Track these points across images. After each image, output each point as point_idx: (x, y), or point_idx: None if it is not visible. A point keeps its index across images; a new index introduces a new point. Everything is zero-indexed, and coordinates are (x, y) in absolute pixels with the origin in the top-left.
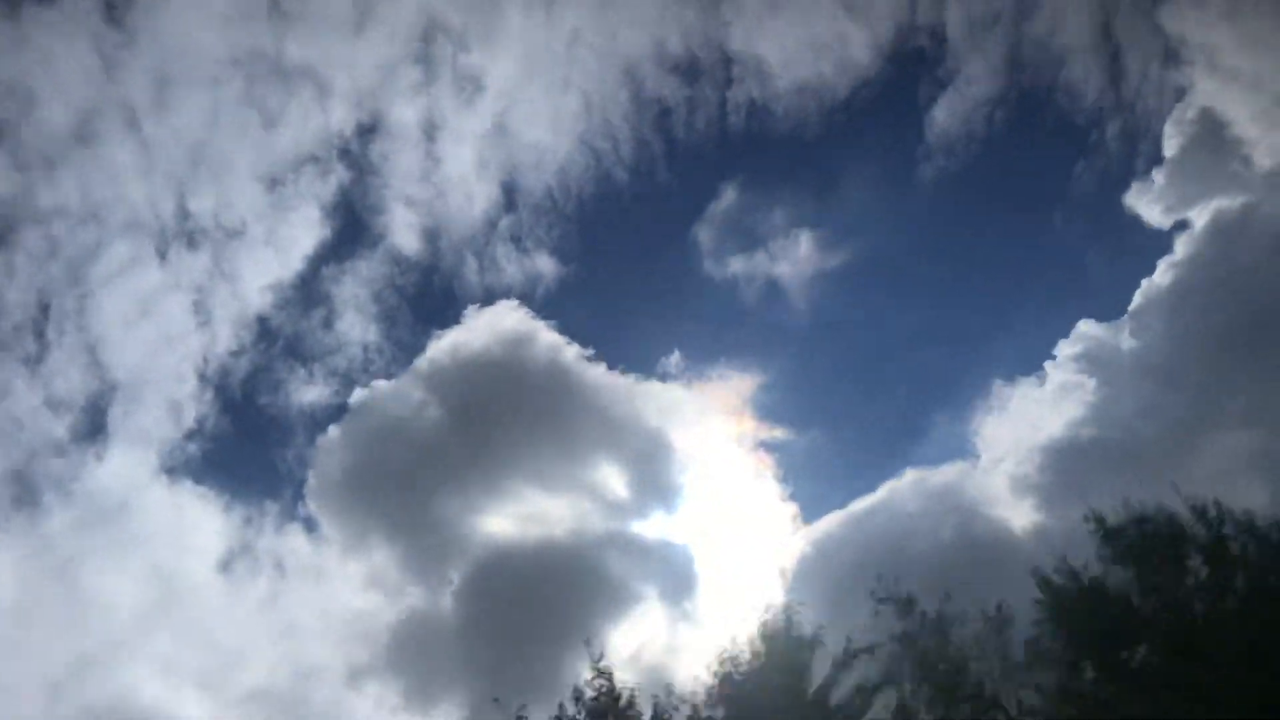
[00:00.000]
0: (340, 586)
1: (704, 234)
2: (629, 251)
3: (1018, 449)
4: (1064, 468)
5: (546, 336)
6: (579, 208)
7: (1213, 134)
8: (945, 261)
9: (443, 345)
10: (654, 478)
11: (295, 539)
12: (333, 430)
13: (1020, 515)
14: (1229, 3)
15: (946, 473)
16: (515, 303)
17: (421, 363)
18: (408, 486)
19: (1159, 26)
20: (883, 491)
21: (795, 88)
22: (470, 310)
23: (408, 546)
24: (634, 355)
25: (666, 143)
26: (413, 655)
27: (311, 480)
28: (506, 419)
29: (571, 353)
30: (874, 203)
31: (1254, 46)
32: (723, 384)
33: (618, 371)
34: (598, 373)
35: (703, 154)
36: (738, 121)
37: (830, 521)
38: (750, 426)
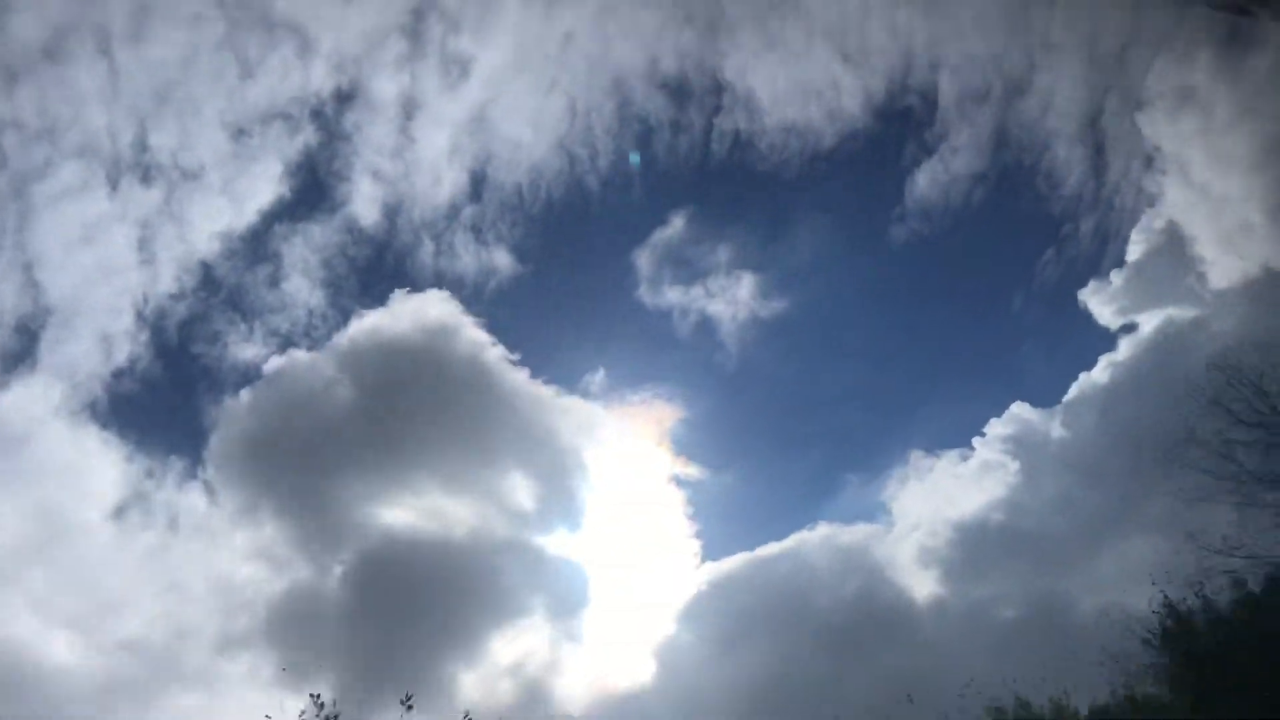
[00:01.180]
0: (228, 552)
1: (648, 258)
2: (581, 262)
3: (932, 520)
4: (973, 546)
5: (472, 333)
6: (545, 210)
7: (1174, 246)
8: (894, 325)
9: (365, 325)
10: (561, 493)
11: (194, 498)
12: (243, 395)
13: (923, 585)
14: (1203, 119)
15: (858, 532)
16: (446, 294)
17: (341, 340)
18: (308, 463)
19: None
20: (792, 540)
21: (782, 127)
22: (398, 295)
23: (300, 522)
24: (559, 367)
25: (645, 160)
26: (291, 630)
27: (213, 442)
28: (419, 410)
29: (496, 354)
30: (835, 256)
31: (1224, 166)
32: (644, 411)
33: (540, 381)
34: (520, 379)
35: (679, 177)
36: (720, 151)
37: (734, 562)
38: (665, 457)
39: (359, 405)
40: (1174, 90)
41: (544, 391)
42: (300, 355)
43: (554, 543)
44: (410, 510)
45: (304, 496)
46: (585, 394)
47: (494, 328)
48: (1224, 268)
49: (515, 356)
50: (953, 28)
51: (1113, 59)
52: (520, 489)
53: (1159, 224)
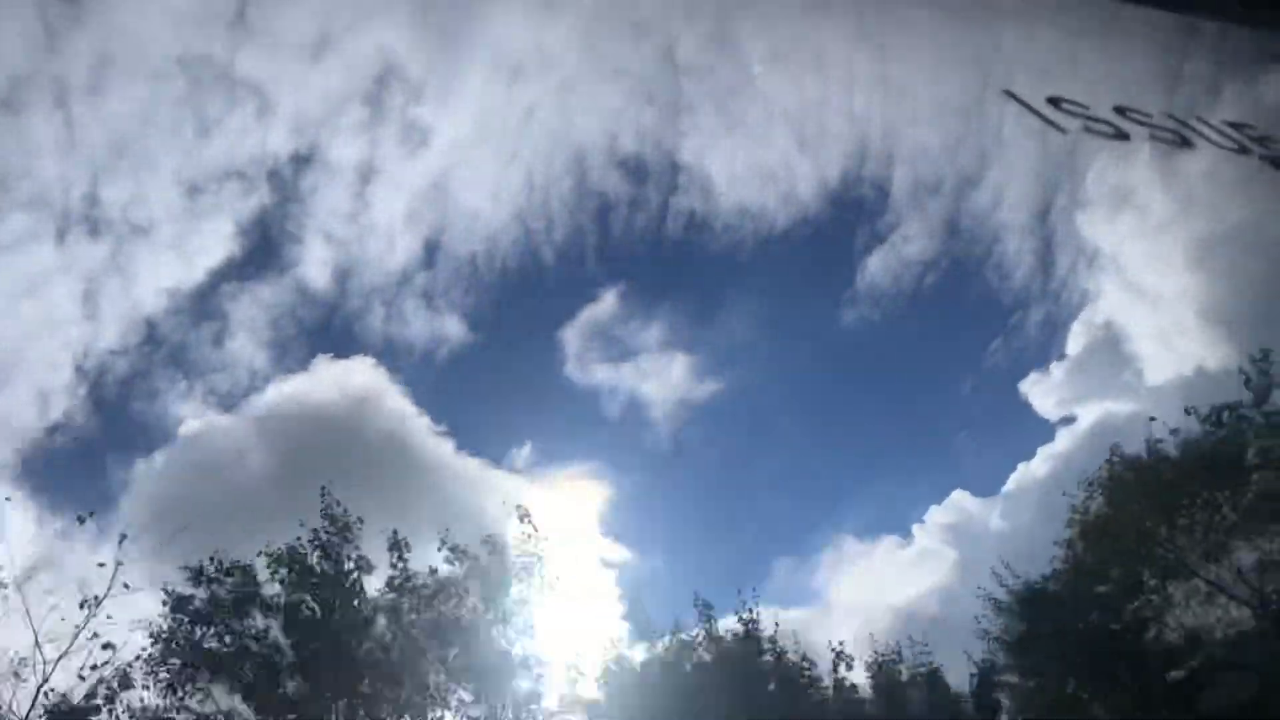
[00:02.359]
0: (135, 621)
1: (582, 334)
2: (525, 332)
3: (867, 607)
4: (911, 633)
5: (396, 402)
6: (500, 279)
7: (1112, 342)
8: (838, 408)
9: (284, 390)
10: (488, 570)
11: (104, 561)
12: (156, 457)
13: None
14: (1139, 221)
15: (791, 617)
16: (371, 360)
17: (258, 403)
18: (219, 530)
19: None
20: (721, 626)
21: (737, 208)
22: (320, 359)
23: (206, 594)
24: (486, 439)
25: (601, 235)
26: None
27: (122, 506)
28: (336, 479)
29: (420, 424)
30: (782, 338)
31: (1160, 265)
32: (570, 489)
33: (465, 453)
34: (444, 451)
35: (635, 255)
36: (675, 230)
37: (663, 646)
38: (592, 535)
39: (273, 472)
40: (1113, 189)
41: (469, 464)
42: (217, 418)
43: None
44: None
45: (217, 562)
46: (511, 468)
47: (418, 396)
48: (1159, 365)
49: (441, 427)
50: (909, 118)
51: (1064, 154)
52: (443, 563)
53: (1098, 319)
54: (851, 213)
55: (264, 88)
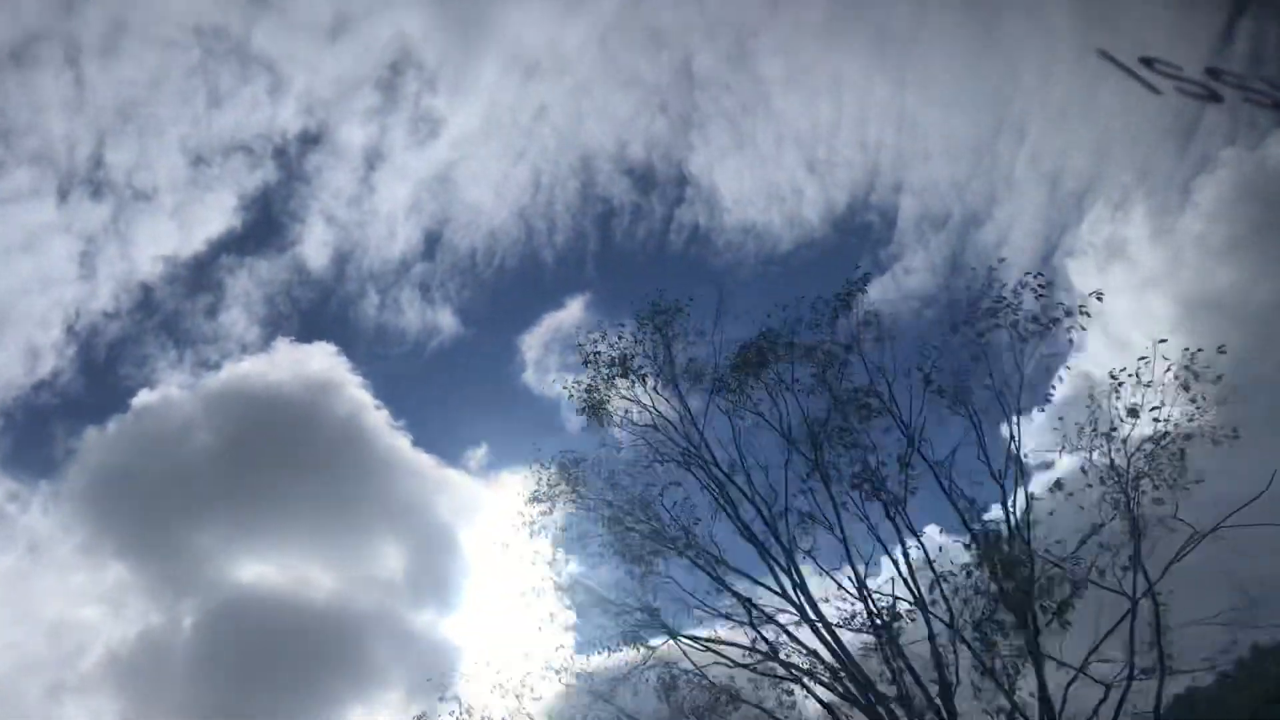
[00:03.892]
0: (77, 590)
1: (538, 344)
2: (506, 331)
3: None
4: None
5: (354, 393)
6: (496, 277)
7: (1093, 394)
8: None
9: (241, 369)
10: (436, 570)
11: (53, 527)
12: (110, 426)
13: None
14: (1129, 274)
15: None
16: (333, 348)
17: (214, 381)
18: (167, 505)
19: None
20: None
21: (741, 227)
22: (281, 342)
23: (152, 567)
24: (444, 437)
25: (602, 241)
26: (136, 681)
27: (72, 472)
28: (288, 465)
29: (379, 418)
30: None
31: (1145, 324)
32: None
33: (421, 449)
34: (401, 445)
35: (634, 263)
36: (678, 242)
37: (618, 659)
38: (544, 546)
39: (224, 452)
40: (1105, 241)
41: (424, 460)
42: (173, 391)
43: (423, 620)
44: (272, 568)
45: (159, 540)
46: (466, 468)
47: (379, 390)
48: (1139, 424)
49: (400, 422)
50: (920, 150)
51: (1072, 200)
52: (392, 559)
53: (1078, 369)
54: (855, 240)
55: (277, 65)
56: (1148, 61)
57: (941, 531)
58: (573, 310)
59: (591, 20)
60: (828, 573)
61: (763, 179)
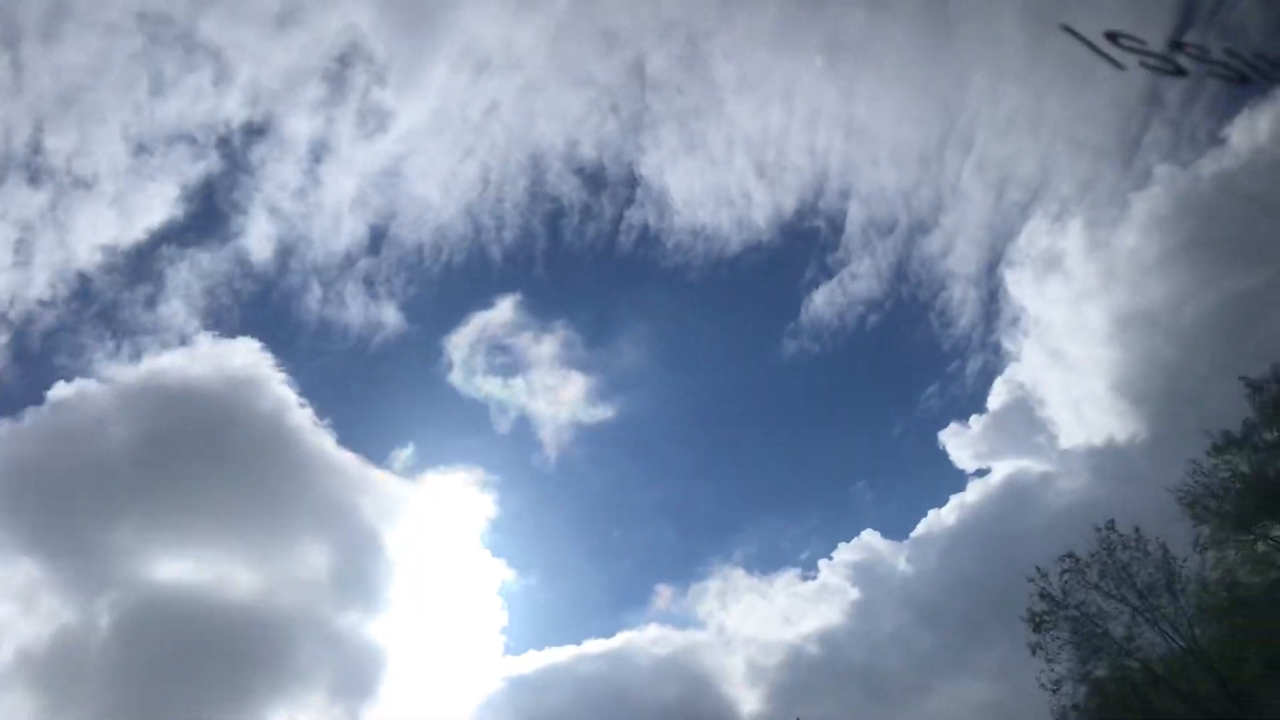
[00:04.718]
0: None
1: (467, 344)
2: (437, 331)
3: (767, 637)
4: (804, 668)
5: (279, 389)
6: (443, 273)
7: (1030, 403)
8: (769, 435)
9: (160, 364)
10: (361, 570)
11: None
12: (24, 418)
13: (750, 700)
14: (1065, 286)
15: (692, 638)
16: (256, 344)
17: (131, 375)
18: (81, 502)
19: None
20: (619, 640)
21: (690, 229)
22: (203, 337)
23: (66, 564)
24: (369, 437)
25: (551, 240)
26: (51, 678)
27: None
28: (208, 462)
29: (302, 415)
30: (721, 363)
31: (1079, 335)
32: (457, 500)
33: (346, 448)
34: (325, 444)
35: (582, 263)
36: (627, 243)
37: (551, 656)
38: (473, 547)
39: (141, 447)
40: (1041, 254)
41: (349, 459)
42: (91, 385)
43: (348, 620)
44: (191, 565)
45: (73, 536)
46: (394, 469)
47: (305, 387)
48: (1071, 431)
49: (325, 421)
50: (868, 157)
51: (1017, 210)
52: (317, 559)
53: (1019, 378)
54: (803, 244)
55: (223, 54)
56: (1112, 36)
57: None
58: (503, 310)
59: (544, 19)
60: None
61: (713, 182)
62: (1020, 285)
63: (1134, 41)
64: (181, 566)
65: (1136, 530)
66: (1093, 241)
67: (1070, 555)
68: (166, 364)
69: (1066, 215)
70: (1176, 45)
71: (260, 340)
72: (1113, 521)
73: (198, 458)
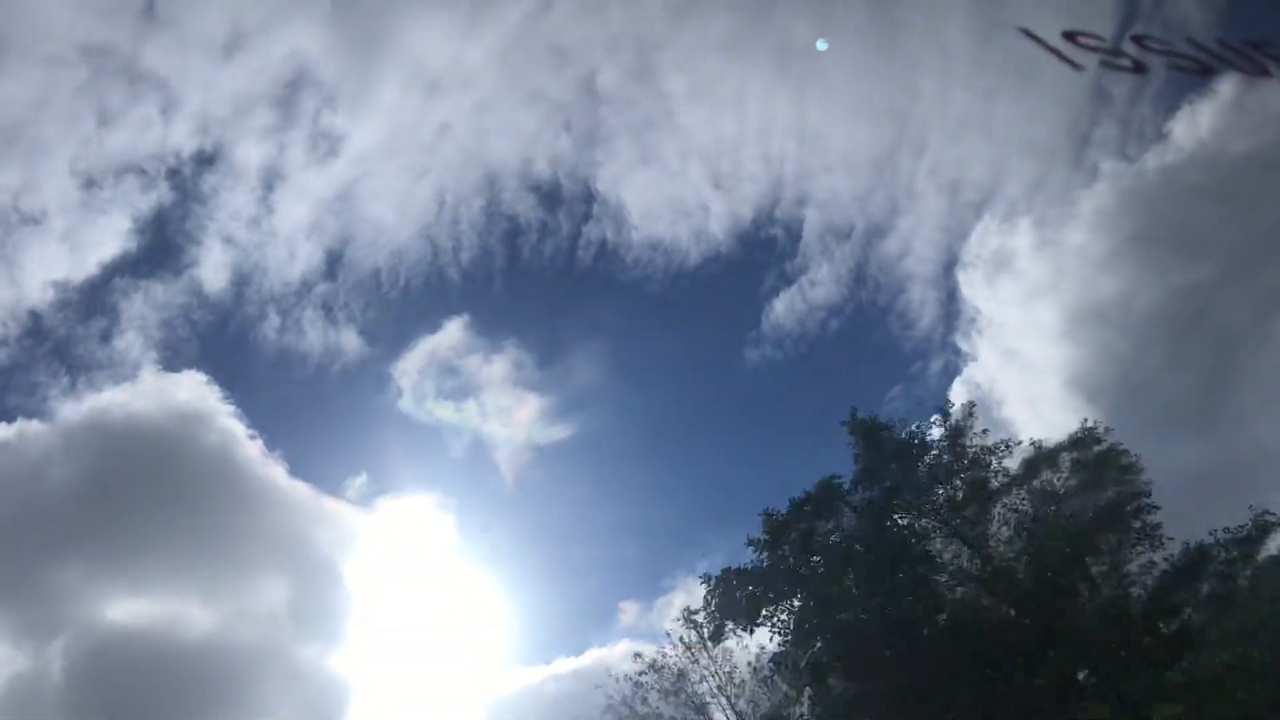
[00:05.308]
0: None
1: (416, 369)
2: (388, 357)
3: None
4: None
5: (225, 422)
6: (401, 297)
7: (986, 403)
8: (735, 444)
9: (102, 401)
10: (319, 601)
11: None
12: None
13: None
14: (1016, 285)
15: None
16: (204, 377)
17: (74, 413)
18: (30, 544)
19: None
20: (589, 657)
21: (648, 242)
22: (148, 372)
23: (15, 612)
24: (322, 466)
25: (509, 258)
26: None
27: None
28: (159, 499)
29: (252, 448)
30: (685, 375)
31: (1033, 335)
32: (411, 522)
33: (299, 478)
34: (276, 475)
35: (541, 282)
36: (586, 258)
37: (521, 676)
38: (432, 573)
39: (86, 486)
40: (992, 254)
41: (302, 490)
42: (34, 426)
43: (309, 654)
44: (145, 604)
45: (19, 581)
46: (348, 497)
47: (253, 419)
48: (1030, 429)
49: (276, 453)
50: (823, 163)
51: (971, 210)
52: (274, 593)
53: (976, 379)
54: (762, 253)
55: (170, 83)
56: (1070, 36)
57: None
58: (452, 332)
59: (493, 37)
60: None
61: (669, 194)
62: (972, 286)
63: (1092, 39)
64: (134, 606)
65: None
66: (1042, 240)
67: None
68: (110, 401)
69: (1016, 215)
70: (1135, 39)
71: (209, 373)
72: None
73: (146, 495)
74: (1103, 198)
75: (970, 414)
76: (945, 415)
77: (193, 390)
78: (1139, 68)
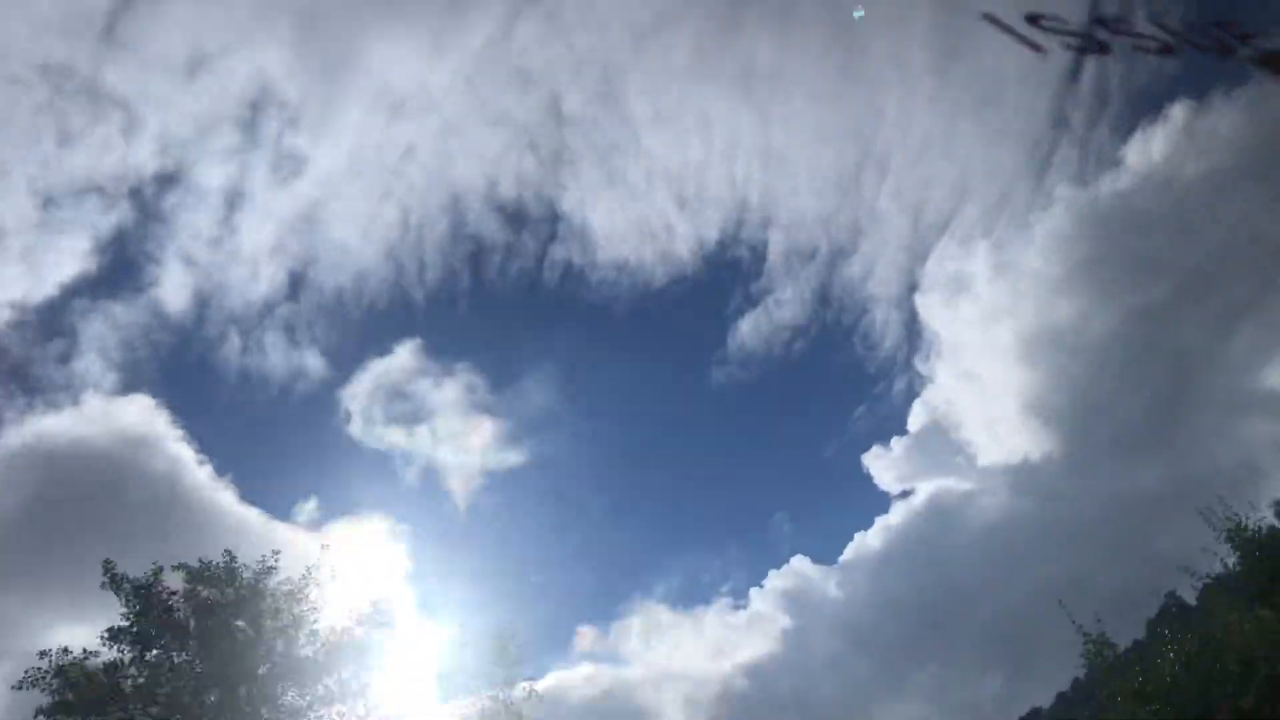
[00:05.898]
0: None
1: (362, 397)
2: (336, 381)
3: (699, 669)
4: (736, 699)
5: (174, 447)
6: (366, 316)
7: (946, 423)
8: (701, 465)
9: (43, 426)
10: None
11: None
12: None
13: None
14: (973, 308)
15: (622, 675)
16: (151, 401)
17: (16, 438)
18: None
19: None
20: (550, 680)
21: (614, 263)
22: (93, 395)
23: None
24: (271, 491)
25: (475, 280)
26: None
27: None
28: (101, 525)
29: (201, 473)
30: (651, 395)
31: (992, 358)
32: (362, 549)
33: (250, 503)
34: (226, 500)
35: (507, 301)
36: (551, 279)
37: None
38: (388, 600)
39: (27, 513)
40: (949, 278)
41: (252, 515)
42: None
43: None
44: (89, 631)
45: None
46: (296, 522)
47: (203, 443)
48: (988, 450)
49: (226, 477)
50: (788, 185)
51: (933, 232)
52: None
53: (935, 399)
54: (727, 274)
55: (131, 103)
56: (1033, 19)
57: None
58: (401, 357)
59: (458, 59)
60: None
61: (634, 215)
62: (930, 309)
63: (1055, 21)
64: (79, 633)
65: None
66: (999, 263)
67: None
68: (54, 425)
69: (973, 238)
70: (1099, 21)
71: (160, 396)
72: None
73: (90, 521)
74: (1058, 221)
75: None
76: None
77: (140, 414)
78: (1103, 49)
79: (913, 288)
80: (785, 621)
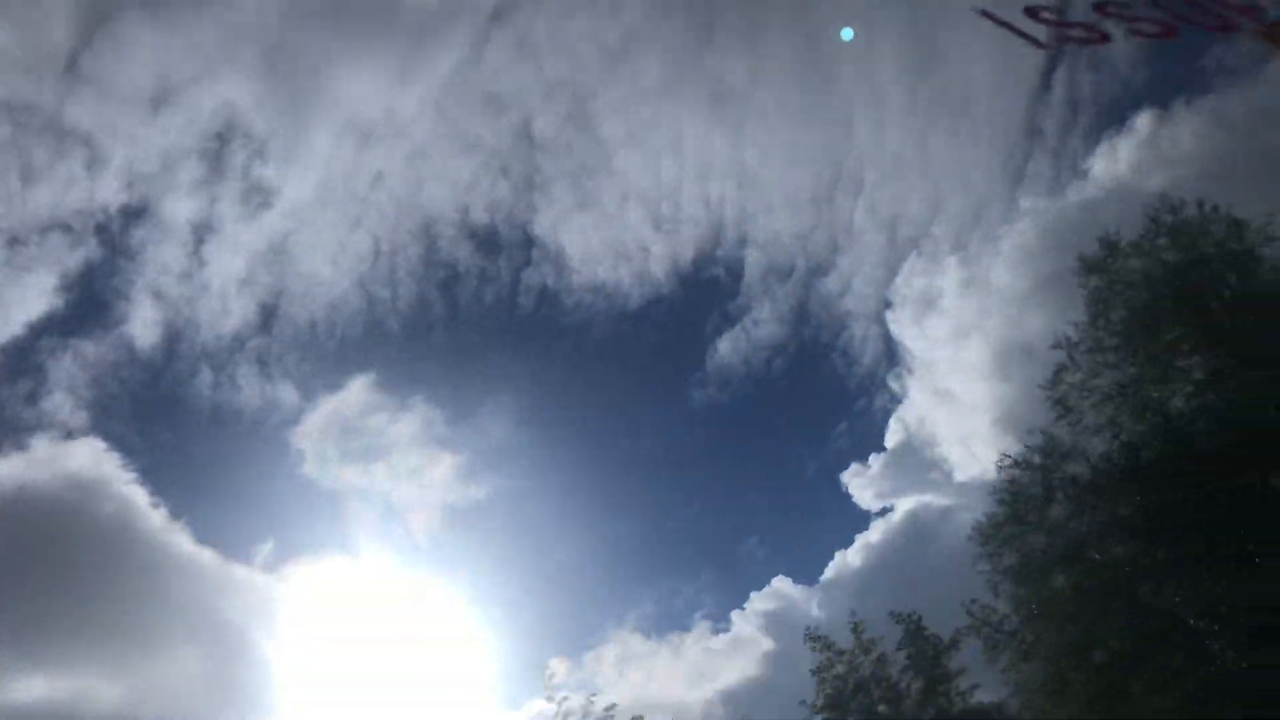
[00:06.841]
0: None
1: (318, 429)
2: (288, 419)
3: (678, 697)
4: None
5: (123, 489)
6: (338, 348)
7: (922, 440)
8: (684, 488)
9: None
10: (231, 671)
11: None
12: None
13: None
14: (942, 324)
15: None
16: (102, 444)
17: None
18: None
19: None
20: (526, 712)
21: (590, 286)
22: (40, 440)
23: None
24: (227, 532)
25: (449, 307)
26: None
27: None
28: (50, 572)
29: (155, 515)
30: (632, 418)
31: (964, 375)
32: (322, 591)
33: (205, 546)
34: (180, 543)
35: (482, 327)
36: (527, 304)
37: None
38: (352, 639)
39: None
40: (919, 293)
41: (208, 557)
42: None
43: None
44: (44, 683)
45: None
46: (253, 564)
47: (155, 485)
48: (964, 465)
49: (181, 521)
50: (763, 204)
51: (909, 246)
52: (181, 663)
53: (910, 416)
54: (704, 294)
55: (95, 138)
56: (1032, 12)
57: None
58: (354, 391)
59: (427, 85)
60: None
61: (609, 238)
62: (901, 325)
63: (1053, 13)
64: (33, 685)
65: None
66: (968, 278)
67: None
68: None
69: (942, 253)
70: (1097, 8)
71: (111, 439)
72: None
73: (38, 570)
74: (1024, 235)
75: None
76: None
77: (88, 458)
78: (1103, 37)
79: (890, 303)
80: (768, 644)
